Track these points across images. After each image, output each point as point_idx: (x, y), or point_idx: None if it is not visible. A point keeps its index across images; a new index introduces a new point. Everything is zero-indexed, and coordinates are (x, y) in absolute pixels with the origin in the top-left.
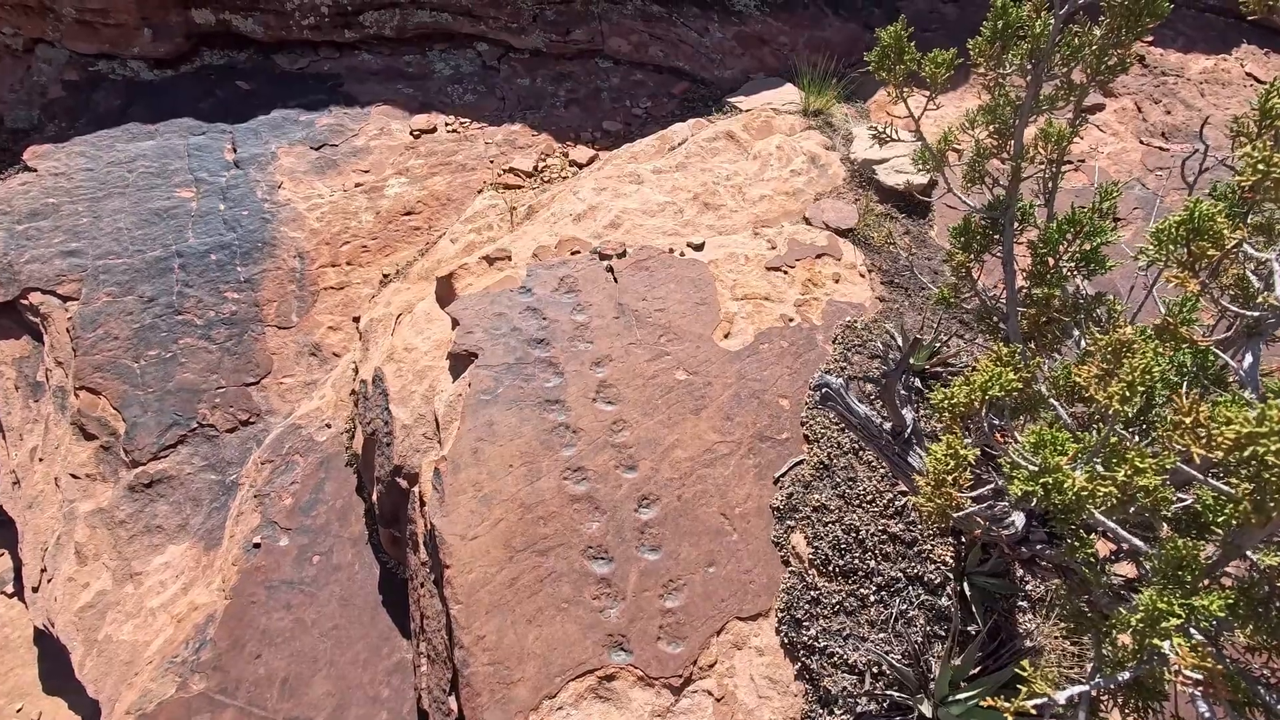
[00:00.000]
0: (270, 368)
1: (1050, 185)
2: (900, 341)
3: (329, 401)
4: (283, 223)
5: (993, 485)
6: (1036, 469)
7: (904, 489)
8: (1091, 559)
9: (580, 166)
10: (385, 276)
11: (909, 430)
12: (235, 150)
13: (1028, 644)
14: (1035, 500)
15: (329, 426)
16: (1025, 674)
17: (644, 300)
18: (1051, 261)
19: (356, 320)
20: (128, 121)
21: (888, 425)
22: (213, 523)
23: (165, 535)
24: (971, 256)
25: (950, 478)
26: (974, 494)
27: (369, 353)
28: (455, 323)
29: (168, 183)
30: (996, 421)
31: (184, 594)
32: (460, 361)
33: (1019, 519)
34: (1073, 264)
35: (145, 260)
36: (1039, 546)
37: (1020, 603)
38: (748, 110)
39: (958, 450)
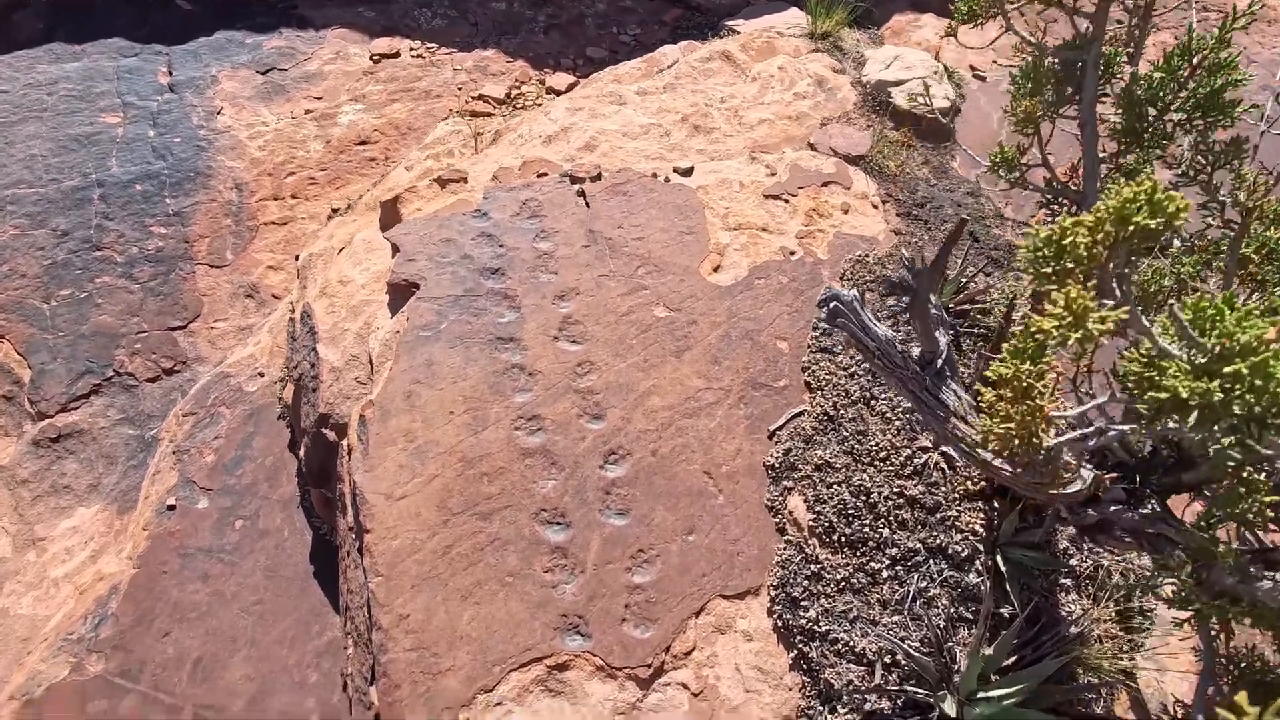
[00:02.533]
0: (200, 310)
1: (1137, 34)
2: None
3: (264, 348)
4: (219, 151)
5: (1097, 403)
6: (1213, 351)
7: (929, 438)
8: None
9: (559, 94)
10: (334, 211)
11: (942, 358)
12: (171, 73)
13: (1073, 630)
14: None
15: (261, 375)
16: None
17: (620, 228)
18: (1153, 112)
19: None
20: (52, 42)
21: (914, 352)
22: (128, 483)
23: (74, 496)
24: (1042, 106)
25: (1040, 383)
26: (1074, 412)
27: (306, 291)
28: (395, 249)
29: (91, 107)
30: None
31: (92, 562)
32: (400, 293)
33: (1087, 472)
34: (1184, 114)
35: (61, 190)
36: (1114, 509)
37: (1064, 580)
38: (747, 33)
39: (1083, 305)
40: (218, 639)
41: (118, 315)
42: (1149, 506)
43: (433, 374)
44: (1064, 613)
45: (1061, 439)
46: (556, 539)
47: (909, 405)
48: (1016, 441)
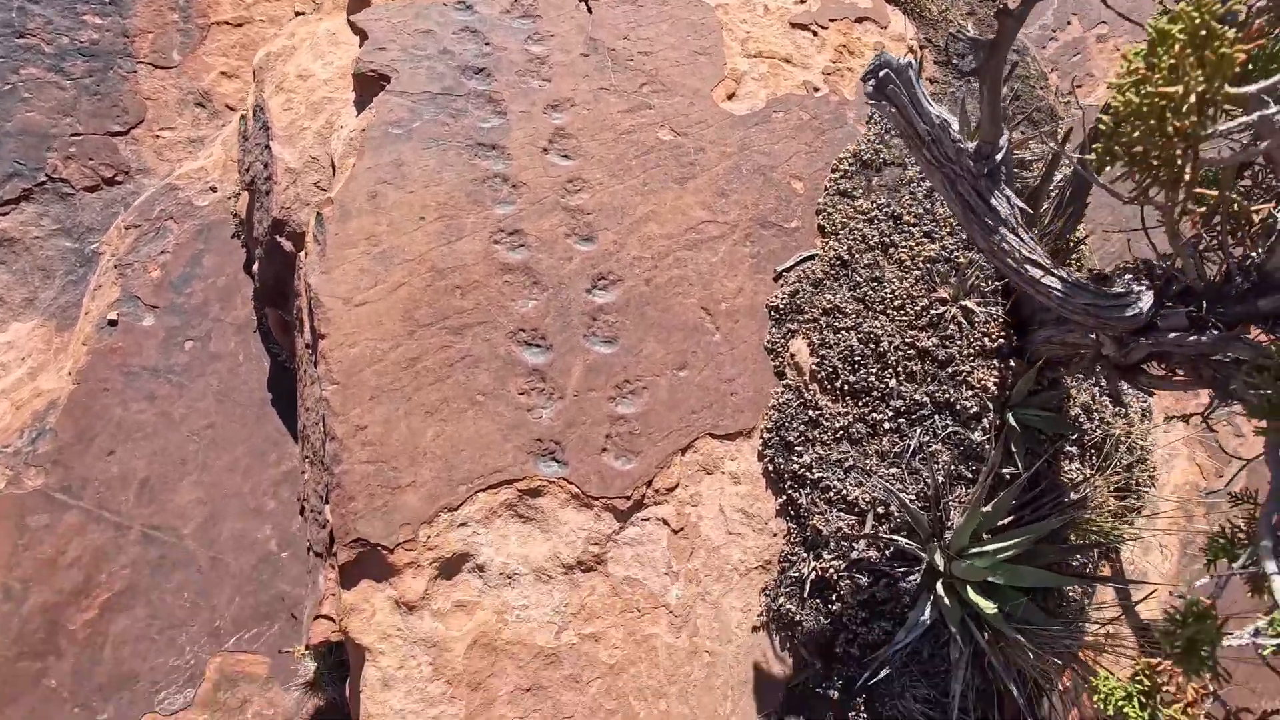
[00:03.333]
0: (143, 115)
1: None
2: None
3: (217, 161)
4: None
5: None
6: None
7: (963, 251)
8: None
9: None
10: (299, 13)
11: (1000, 154)
12: None
13: (1073, 496)
14: None
15: (214, 190)
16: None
17: (625, 39)
18: None
19: None
20: None
21: (969, 145)
22: (67, 298)
23: (7, 310)
24: None
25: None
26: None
27: (261, 92)
28: (363, 36)
29: None
30: None
31: (31, 379)
32: (367, 87)
33: (1144, 299)
34: None
35: None
36: (1174, 335)
37: (1069, 447)
38: None
39: None
40: (166, 461)
41: (47, 114)
42: (1213, 332)
43: (402, 175)
44: (1065, 479)
45: (1249, 89)
46: (535, 361)
47: (953, 210)
48: (1166, 120)
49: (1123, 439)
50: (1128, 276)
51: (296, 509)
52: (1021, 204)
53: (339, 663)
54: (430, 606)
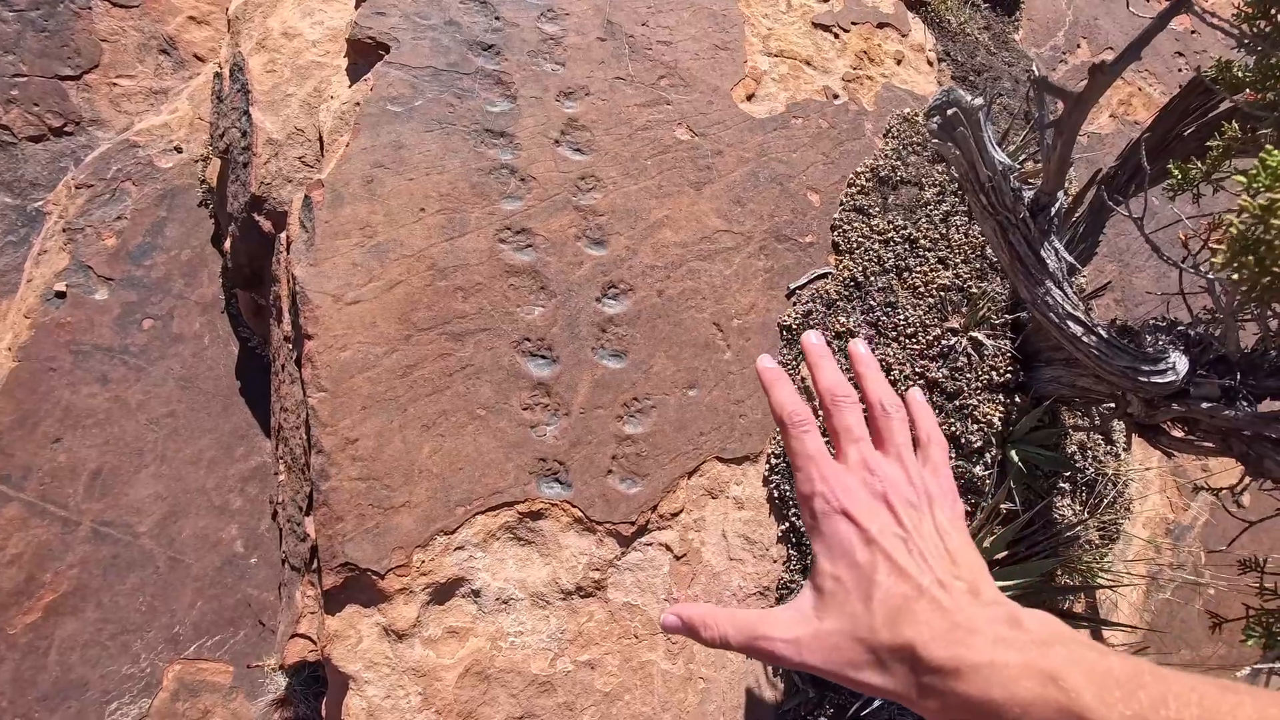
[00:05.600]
0: (98, 59)
1: None
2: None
3: (183, 118)
4: None
5: None
6: None
7: (956, 321)
8: None
9: None
10: None
11: (1056, 206)
12: None
13: (1066, 535)
14: None
15: (179, 151)
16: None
17: (644, 25)
18: None
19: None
20: None
21: (1028, 192)
22: (6, 262)
23: None
24: None
25: None
26: None
27: (239, 48)
28: None
29: None
30: None
31: None
32: (363, 54)
33: (1179, 366)
34: None
35: None
36: (1206, 405)
37: (1061, 484)
38: None
39: None
40: (120, 451)
41: None
42: (1245, 406)
43: (401, 159)
44: (1057, 515)
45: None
46: (540, 374)
47: (1000, 257)
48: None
49: (1112, 479)
50: (1159, 336)
51: (264, 507)
52: (1070, 258)
53: (312, 677)
54: (421, 634)
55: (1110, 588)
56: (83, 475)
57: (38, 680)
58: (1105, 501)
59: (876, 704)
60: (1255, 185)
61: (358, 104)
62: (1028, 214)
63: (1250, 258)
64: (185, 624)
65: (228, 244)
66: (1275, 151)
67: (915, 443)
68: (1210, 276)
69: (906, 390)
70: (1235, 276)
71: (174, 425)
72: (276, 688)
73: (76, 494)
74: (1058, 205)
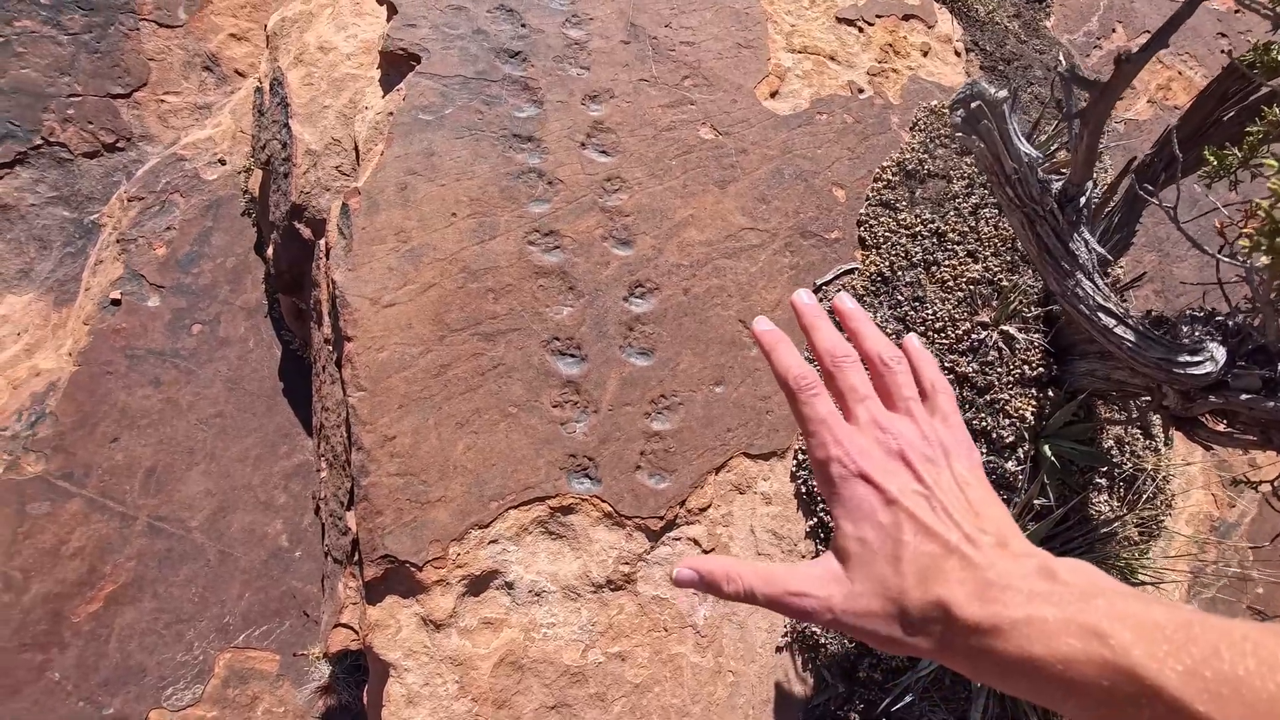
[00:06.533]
0: (147, 78)
1: None
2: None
3: (226, 131)
4: None
5: None
6: None
7: (987, 316)
8: None
9: None
10: None
11: (1085, 197)
12: None
13: (1103, 531)
14: None
15: (223, 163)
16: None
17: (667, 26)
18: None
19: None
20: None
21: (1055, 183)
22: (65, 272)
23: (2, 282)
24: None
25: None
26: None
27: (278, 60)
28: (392, 10)
29: None
30: None
31: (27, 356)
32: (395, 65)
33: (1219, 352)
34: None
35: None
36: (1246, 397)
37: (1098, 479)
38: None
39: None
40: (172, 450)
41: (44, 71)
42: None
43: (433, 166)
44: (1094, 511)
45: None
46: (569, 372)
47: (1028, 250)
48: None
49: (1152, 474)
50: (1196, 327)
51: (306, 503)
52: (1101, 249)
53: (354, 666)
54: (458, 624)
55: (1150, 585)
56: (139, 473)
57: (99, 666)
58: (1144, 497)
59: (908, 699)
60: None
61: (391, 114)
62: (1055, 206)
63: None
64: (234, 614)
65: (270, 251)
66: None
67: (921, 394)
68: (1242, 263)
69: (902, 339)
70: (1265, 261)
71: (222, 425)
72: (320, 676)
73: (133, 490)
74: (1086, 196)
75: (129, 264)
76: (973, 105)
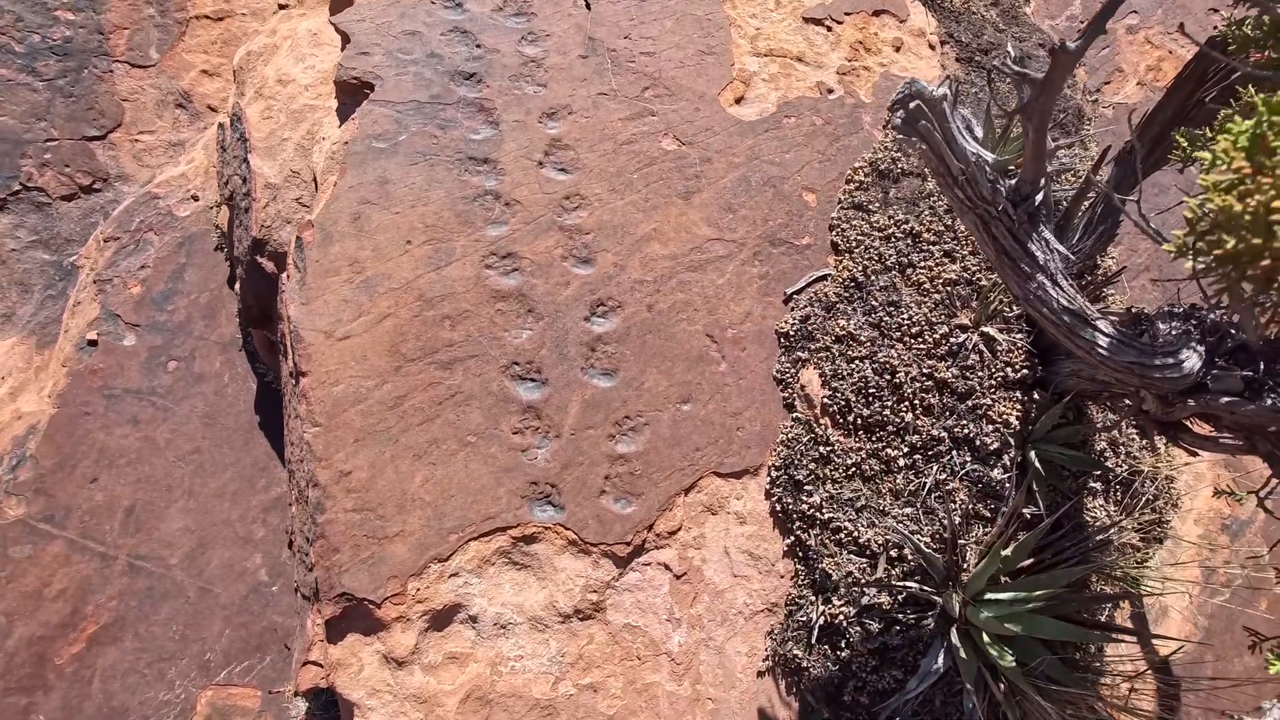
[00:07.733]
0: (121, 118)
1: None
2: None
3: (198, 167)
4: None
5: None
6: None
7: (967, 317)
8: None
9: None
10: (281, 6)
11: (1040, 195)
12: None
13: (1097, 538)
14: None
15: (195, 199)
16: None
17: (626, 38)
18: None
19: None
20: None
21: (1007, 182)
22: (47, 314)
23: None
24: None
25: None
26: None
27: (241, 98)
28: (345, 39)
29: None
30: None
31: (11, 400)
32: (350, 94)
33: (1193, 357)
34: None
35: None
36: (1226, 400)
37: (1093, 484)
38: None
39: None
40: (151, 488)
41: (20, 118)
42: (1270, 400)
43: (387, 194)
44: (1089, 518)
45: None
46: (529, 397)
47: (986, 253)
48: (1250, 232)
49: (1151, 476)
50: (1172, 324)
51: (284, 536)
52: (1062, 249)
53: (330, 702)
54: (421, 660)
55: (1150, 595)
56: (118, 512)
57: (83, 708)
58: (1144, 500)
59: None
60: (1219, 161)
61: (345, 143)
62: (1009, 205)
63: (1212, 238)
64: (216, 651)
65: (238, 285)
66: (1242, 122)
67: None
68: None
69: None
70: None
71: (199, 461)
72: (299, 711)
73: (113, 530)
74: (1042, 193)
75: (105, 304)
76: (911, 105)
